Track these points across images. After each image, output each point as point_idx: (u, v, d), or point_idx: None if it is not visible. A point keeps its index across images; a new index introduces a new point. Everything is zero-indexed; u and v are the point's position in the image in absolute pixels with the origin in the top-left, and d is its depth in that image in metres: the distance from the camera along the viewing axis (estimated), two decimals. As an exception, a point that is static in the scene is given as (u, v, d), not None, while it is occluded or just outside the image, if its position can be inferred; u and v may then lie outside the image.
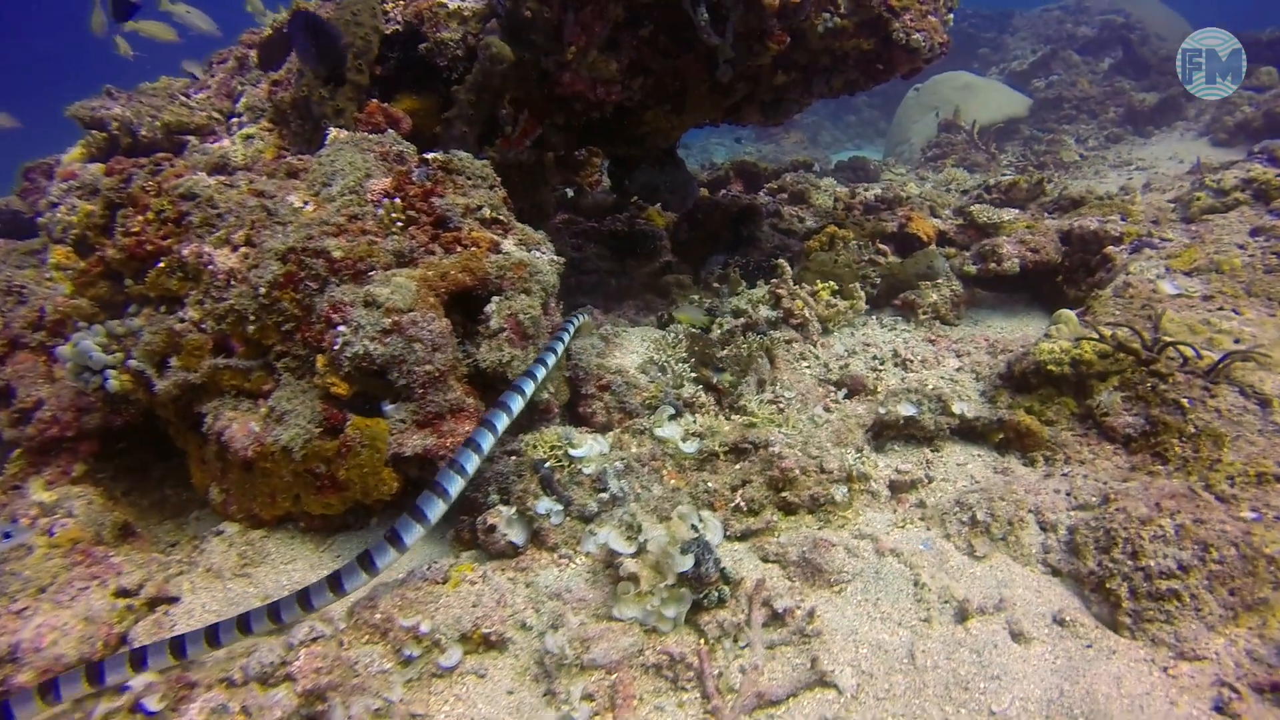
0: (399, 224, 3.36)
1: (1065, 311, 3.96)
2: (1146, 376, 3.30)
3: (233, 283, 3.17)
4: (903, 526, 2.96)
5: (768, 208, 6.79)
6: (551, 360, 3.25)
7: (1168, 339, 3.38)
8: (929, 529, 3.00)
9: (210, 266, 3.20)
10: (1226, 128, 9.77)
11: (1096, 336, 3.44)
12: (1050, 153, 10.17)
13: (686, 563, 2.46)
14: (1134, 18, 15.83)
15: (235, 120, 4.73)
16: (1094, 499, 2.97)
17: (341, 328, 3.00)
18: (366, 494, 3.11)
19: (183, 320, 3.20)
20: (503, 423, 2.94)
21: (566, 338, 3.50)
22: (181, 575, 3.12)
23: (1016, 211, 5.48)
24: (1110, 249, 4.74)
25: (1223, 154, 8.92)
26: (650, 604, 2.50)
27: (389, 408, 3.06)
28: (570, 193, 7.87)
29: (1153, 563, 2.50)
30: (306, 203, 3.41)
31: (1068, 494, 3.03)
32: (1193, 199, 5.09)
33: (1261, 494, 2.81)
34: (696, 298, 4.92)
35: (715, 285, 5.20)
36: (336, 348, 2.99)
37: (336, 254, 3.15)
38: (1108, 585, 2.55)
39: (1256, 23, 14.05)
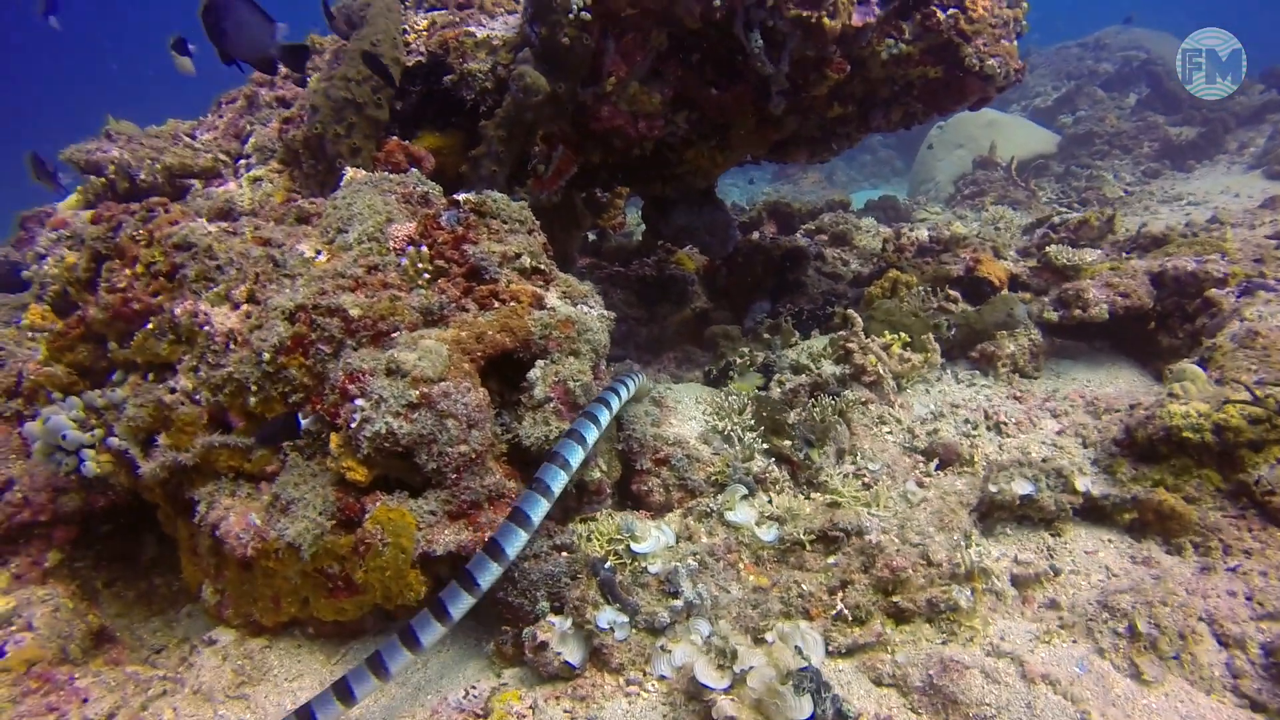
0: (426, 276, 2.89)
1: (1190, 366, 3.44)
2: (1315, 447, 2.76)
3: (232, 346, 2.70)
4: (1047, 641, 2.40)
5: (810, 250, 6.34)
6: (604, 421, 2.73)
7: (1334, 401, 2.85)
8: (1076, 641, 2.44)
9: (206, 328, 2.72)
10: (1280, 159, 9.35)
11: (1247, 398, 2.92)
12: (1091, 189, 9.74)
13: (804, 708, 1.91)
14: (1154, 54, 15.58)
15: (243, 162, 4.32)
16: (1282, 605, 2.41)
17: (359, 401, 2.50)
18: (389, 599, 2.58)
19: (173, 391, 2.72)
20: (542, 508, 2.43)
21: (617, 401, 2.95)
22: (164, 698, 2.58)
23: (1099, 252, 5.00)
24: (1213, 291, 4.23)
25: None
26: (752, 757, 1.95)
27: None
28: (593, 236, 7.47)
29: (1399, 701, 1.94)
30: (319, 252, 2.96)
31: (1248, 598, 2.47)
32: (1297, 235, 4.60)
33: None
34: (746, 350, 4.42)
35: (766, 336, 4.71)
36: (354, 425, 2.49)
37: (354, 312, 2.68)
38: (1340, 730, 1.98)
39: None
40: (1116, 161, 11.73)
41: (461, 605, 2.29)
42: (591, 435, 2.63)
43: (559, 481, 2.48)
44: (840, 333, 3.98)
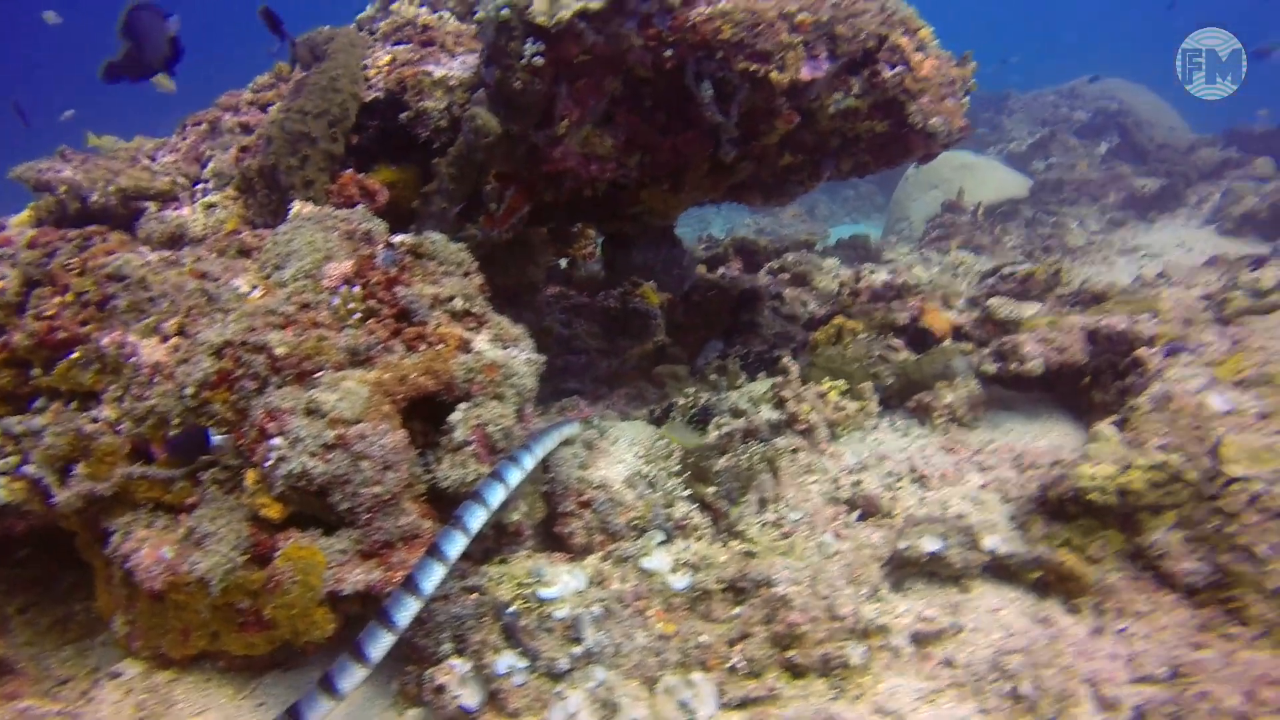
0: (357, 316, 2.95)
1: (1105, 428, 3.55)
2: (1210, 514, 2.87)
3: (158, 379, 2.74)
4: (932, 701, 2.47)
5: (769, 290, 6.45)
6: (529, 464, 2.80)
7: (1231, 470, 2.95)
8: (963, 701, 2.50)
9: (133, 359, 2.77)
10: (1233, 218, 9.61)
11: (1147, 463, 3.02)
12: (1055, 236, 9.96)
13: (674, 766, 1.96)
14: (1126, 104, 15.99)
15: (201, 187, 4.37)
16: (1162, 670, 2.50)
17: (276, 440, 2.55)
18: (297, 635, 2.62)
19: (96, 420, 2.75)
20: (458, 546, 2.47)
21: (542, 448, 2.99)
22: (61, 734, 2.58)
23: (1038, 306, 5.13)
24: (1142, 351, 4.36)
25: (1231, 244, 8.71)
26: (628, 810, 2.00)
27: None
28: (564, 264, 7.55)
29: (1252, 775, 2.02)
30: (255, 287, 3.01)
31: (1129, 660, 2.55)
32: (1226, 298, 4.76)
33: (1366, 675, 2.34)
34: (691, 391, 4.50)
35: (712, 377, 4.78)
36: (270, 463, 2.54)
37: (280, 350, 2.73)
38: (1196, 800, 2.06)
39: (1247, 116, 14.21)
40: (1084, 209, 11.99)
41: (381, 644, 2.31)
42: (514, 476, 2.69)
43: (477, 519, 2.53)
44: (777, 379, 4.06)
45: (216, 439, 2.60)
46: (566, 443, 3.31)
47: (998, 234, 9.85)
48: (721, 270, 7.46)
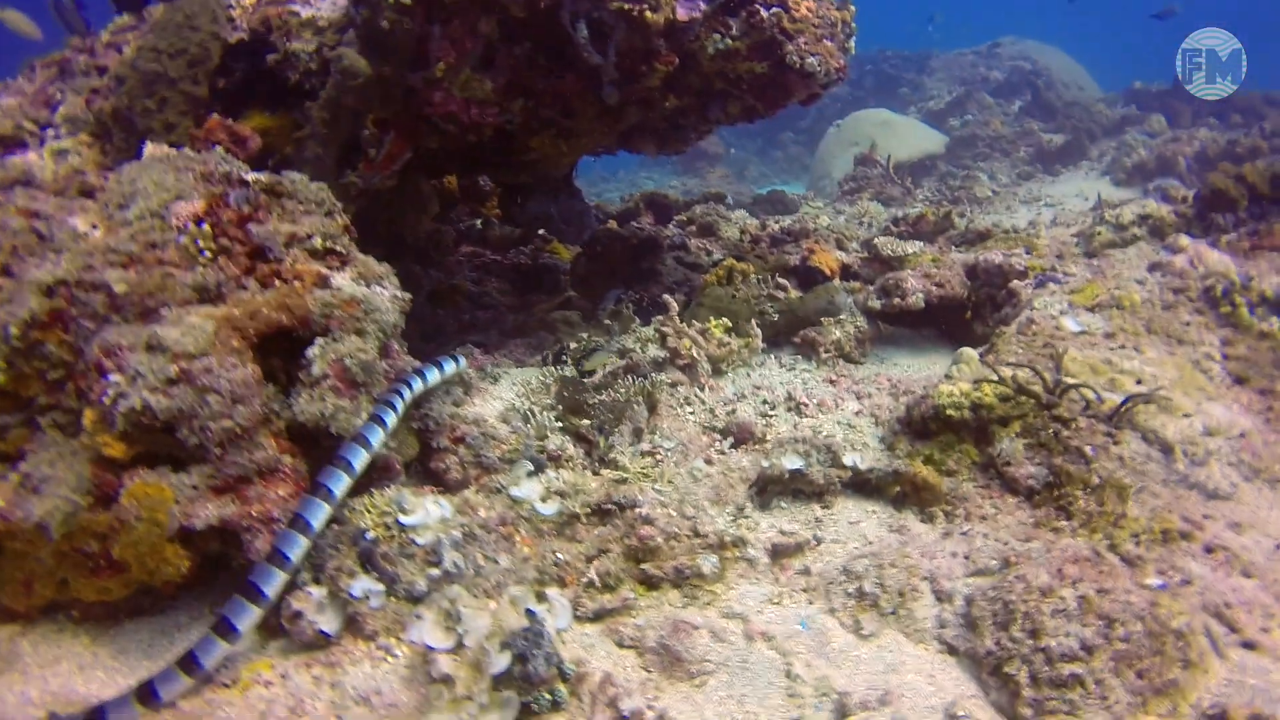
0: (206, 255, 2.87)
1: (966, 350, 3.71)
2: (1049, 422, 3.04)
3: (-18, 321, 2.62)
4: (778, 602, 2.58)
5: (674, 240, 6.50)
6: (399, 405, 2.84)
7: (1070, 380, 3.13)
8: (811, 603, 2.62)
9: (-46, 303, 2.64)
10: (1125, 168, 10.07)
11: (996, 378, 3.17)
12: (965, 188, 10.27)
13: (503, 661, 2.02)
14: (1039, 64, 16.48)
15: (50, 130, 4.15)
16: (994, 563, 2.65)
17: (113, 376, 2.48)
18: (151, 575, 2.57)
19: (-86, 369, 2.62)
20: (343, 483, 2.57)
21: (418, 383, 3.04)
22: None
23: (921, 244, 5.30)
24: (1015, 283, 4.56)
25: (1123, 193, 9.12)
26: (467, 711, 2.05)
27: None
28: (479, 224, 7.47)
29: (1054, 642, 2.18)
30: (95, 227, 2.90)
31: (966, 557, 2.71)
32: (1094, 233, 4.99)
33: (1167, 553, 2.54)
34: (585, 335, 4.52)
35: (607, 322, 4.82)
36: (106, 400, 2.47)
37: (119, 288, 2.64)
38: (1006, 669, 2.21)
39: (1147, 76, 14.85)
40: (996, 163, 12.37)
41: (274, 582, 2.38)
42: (391, 418, 2.76)
43: (360, 458, 2.63)
44: (658, 317, 4.12)
45: None
46: (449, 381, 3.33)
47: (909, 186, 10.08)
48: (633, 223, 7.48)
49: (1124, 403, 2.97)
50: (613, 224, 7.25)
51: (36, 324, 2.55)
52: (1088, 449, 2.87)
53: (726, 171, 16.55)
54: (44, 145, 3.73)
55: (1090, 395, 3.03)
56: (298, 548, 2.43)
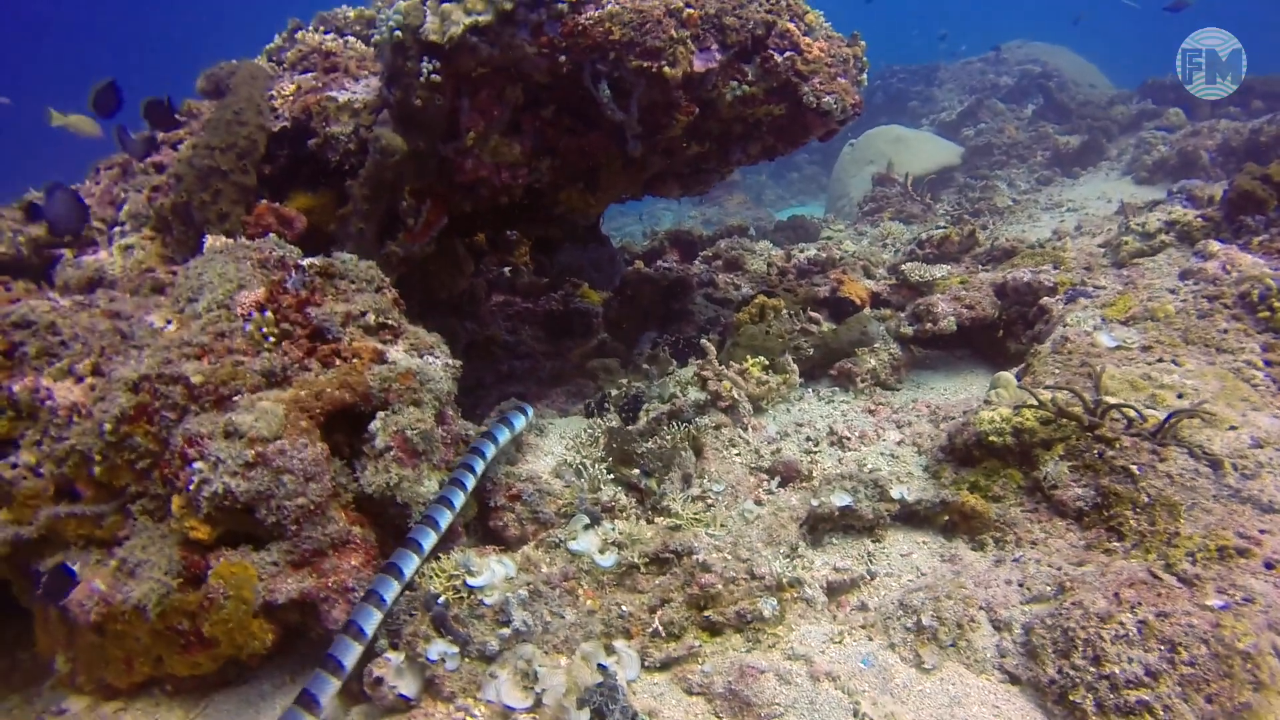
0: (271, 340, 3.05)
1: (1003, 375, 3.76)
2: (1092, 442, 3.07)
3: (75, 419, 2.82)
4: (840, 642, 2.64)
5: (701, 277, 6.62)
6: (478, 470, 3.06)
7: (1110, 399, 3.17)
8: (871, 639, 2.68)
9: (49, 402, 2.84)
10: (1146, 166, 10.00)
11: (1036, 403, 3.22)
12: (984, 199, 10.27)
13: (582, 718, 2.10)
14: (1050, 66, 16.47)
15: (118, 229, 4.42)
16: (1049, 589, 2.69)
17: (197, 464, 2.65)
18: (238, 649, 2.71)
19: (14, 466, 2.82)
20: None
21: (492, 447, 3.23)
22: (10, 775, 2.66)
23: (949, 267, 5.36)
24: (1046, 300, 4.60)
25: (1146, 191, 9.07)
26: (552, 770, 2.14)
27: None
28: (507, 272, 7.67)
29: (1117, 669, 2.21)
30: (169, 322, 3.10)
31: (1020, 584, 2.74)
32: (1121, 243, 5.01)
33: (1225, 571, 2.55)
34: (624, 382, 4.64)
35: (645, 367, 4.93)
36: (192, 487, 2.64)
37: (196, 379, 2.82)
38: (1071, 697, 2.24)
39: (1161, 70, 14.73)
40: (1013, 170, 12.36)
41: (352, 655, 2.51)
42: (458, 499, 2.94)
43: (429, 540, 2.79)
44: (699, 361, 4.22)
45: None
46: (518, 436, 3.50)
47: (928, 202, 10.12)
48: (659, 263, 7.63)
49: (1167, 419, 3.00)
50: (639, 264, 7.41)
51: (125, 418, 2.73)
52: (1134, 468, 2.90)
53: (744, 197, 16.71)
54: (112, 243, 3.98)
55: (1132, 414, 3.07)
56: (372, 620, 2.57)
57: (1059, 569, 2.76)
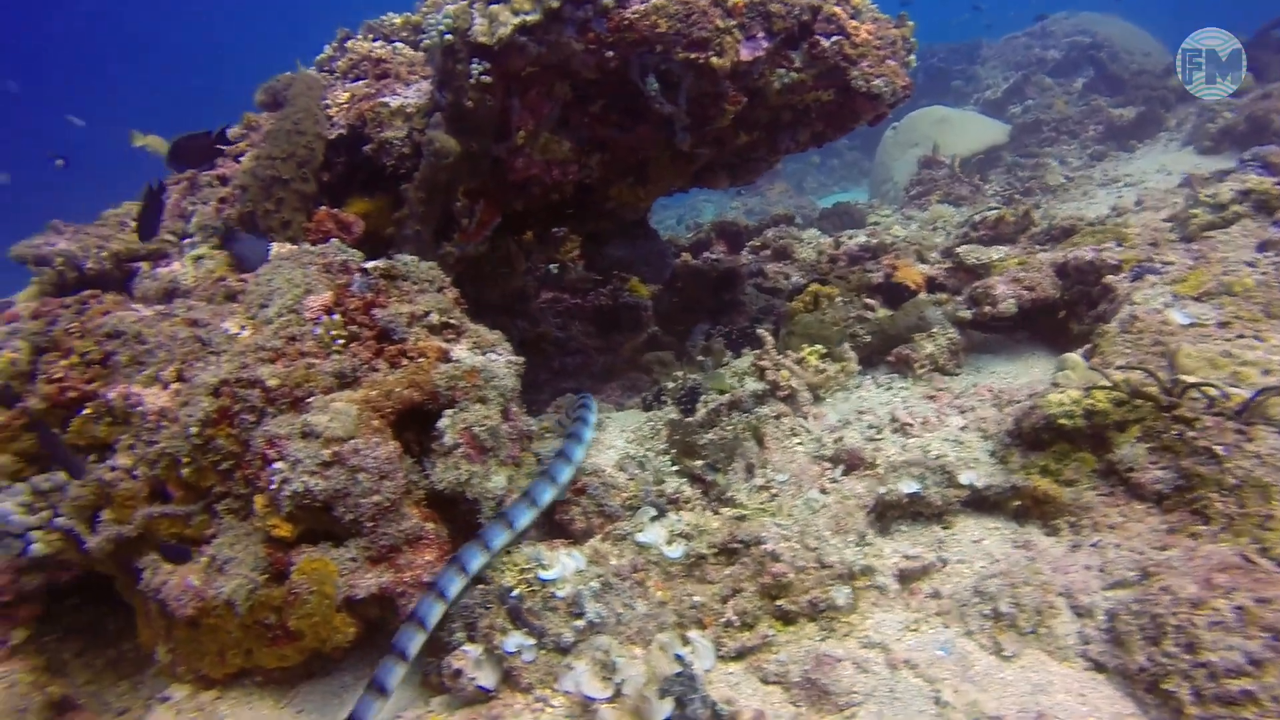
0: (340, 342, 3.13)
1: (1071, 356, 3.67)
2: (1171, 423, 2.98)
3: (163, 423, 2.94)
4: (916, 629, 2.62)
5: (750, 268, 6.59)
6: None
7: (1188, 378, 3.07)
8: (947, 627, 2.65)
9: (139, 408, 2.97)
10: (1210, 135, 9.59)
11: (1109, 383, 3.14)
12: (1036, 178, 9.99)
13: (666, 709, 2.13)
14: (1100, 36, 15.91)
15: (188, 241, 4.58)
16: (1132, 574, 2.62)
17: (278, 464, 2.74)
18: (322, 643, 2.80)
19: (113, 469, 2.96)
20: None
21: (580, 449, 3.32)
22: (121, 756, 2.79)
23: (1006, 249, 5.24)
24: (1110, 278, 4.46)
25: (1210, 162, 8.71)
26: (634, 759, 2.16)
27: (337, 546, 2.78)
28: (555, 269, 7.73)
29: (1215, 657, 2.15)
30: (243, 328, 3.21)
31: (1100, 569, 2.68)
32: (1189, 216, 4.83)
33: (1324, 553, 2.46)
34: (680, 374, 4.65)
35: (700, 359, 4.93)
36: (274, 486, 2.73)
37: (272, 382, 2.92)
38: (1164, 686, 2.19)
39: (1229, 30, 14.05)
40: (1064, 147, 12.00)
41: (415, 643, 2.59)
42: (548, 494, 3.04)
43: (500, 538, 2.84)
44: (755, 351, 4.21)
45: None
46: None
47: (977, 183, 9.90)
48: (706, 254, 7.61)
49: (1254, 396, 2.89)
50: (686, 256, 7.40)
51: (209, 422, 2.84)
52: (1218, 448, 2.81)
53: (786, 186, 16.54)
54: (184, 254, 4.13)
55: (1213, 392, 2.97)
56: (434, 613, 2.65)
57: (1141, 554, 2.69)
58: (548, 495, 3.01)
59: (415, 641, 2.57)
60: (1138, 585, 2.55)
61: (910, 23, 4.90)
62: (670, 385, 4.56)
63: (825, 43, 4.48)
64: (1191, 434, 2.90)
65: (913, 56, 5.03)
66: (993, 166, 12.01)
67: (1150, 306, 3.84)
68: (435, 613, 2.63)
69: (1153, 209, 5.96)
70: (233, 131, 4.91)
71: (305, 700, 2.98)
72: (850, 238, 6.70)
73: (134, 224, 4.37)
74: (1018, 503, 3.19)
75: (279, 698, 2.98)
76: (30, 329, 3.15)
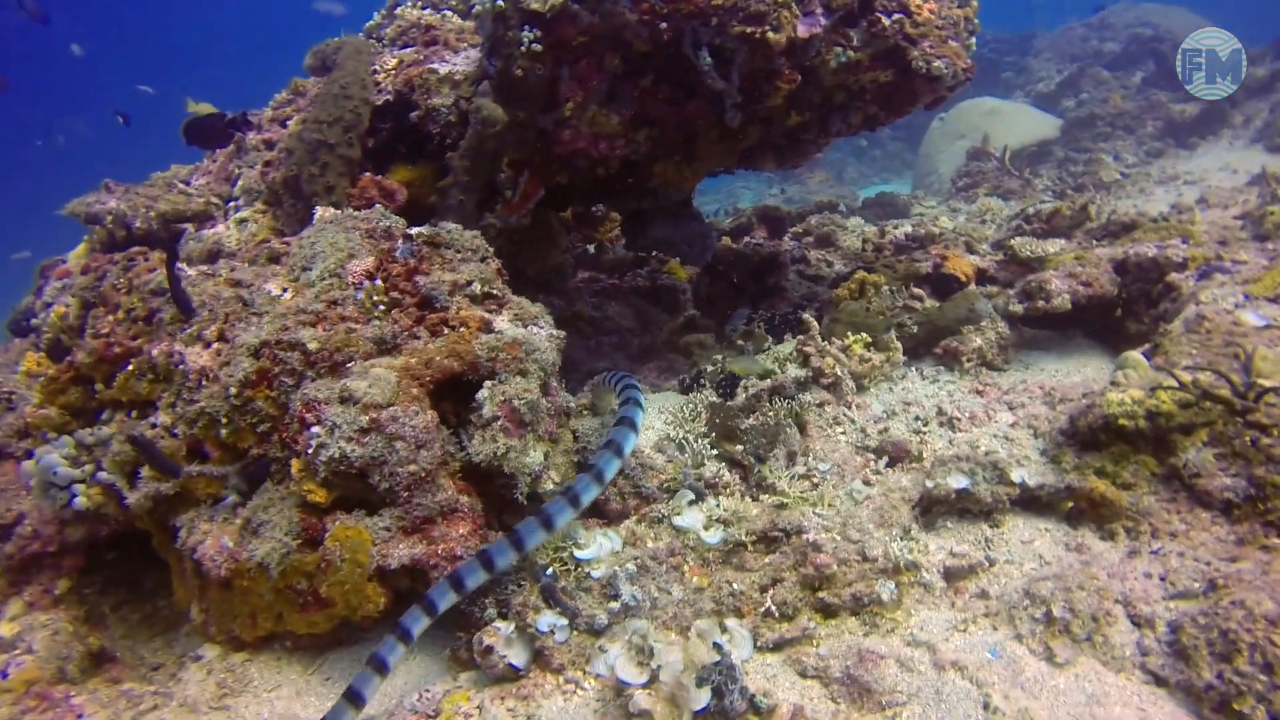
0: (381, 308, 3.09)
1: (1133, 354, 3.50)
2: (1243, 429, 2.83)
3: (204, 383, 2.92)
4: (964, 630, 2.51)
5: (793, 254, 6.45)
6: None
7: (1264, 383, 2.90)
8: (996, 629, 2.54)
9: (181, 366, 2.96)
10: (1281, 132, 9.20)
11: (1175, 384, 2.99)
12: (1089, 174, 9.66)
13: (703, 698, 2.06)
14: (1162, 29, 15.34)
15: (233, 204, 4.59)
16: (1197, 585, 2.49)
17: (315, 429, 2.71)
18: (352, 611, 2.78)
19: (154, 426, 2.95)
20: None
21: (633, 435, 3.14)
22: (154, 711, 2.80)
23: (1062, 242, 5.04)
24: (1174, 276, 4.27)
25: (1280, 161, 8.35)
26: (669, 746, 2.10)
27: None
28: (591, 249, 7.66)
29: (1290, 676, 2.02)
30: (285, 290, 3.18)
31: (1162, 578, 2.55)
32: (1265, 214, 4.60)
33: None
34: (720, 358, 4.56)
35: (740, 343, 4.84)
36: (311, 451, 2.70)
37: (312, 346, 2.89)
38: (1236, 707, 2.07)
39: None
40: (1120, 142, 11.60)
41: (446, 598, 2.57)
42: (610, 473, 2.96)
43: (565, 516, 2.77)
44: (800, 337, 4.10)
45: None
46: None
47: (1027, 177, 9.60)
48: (746, 239, 7.47)
49: (1332, 405, 2.73)
50: (726, 240, 7.27)
51: (248, 383, 2.82)
52: (1296, 458, 2.66)
53: (826, 175, 16.24)
54: (229, 217, 4.12)
55: (1291, 398, 2.81)
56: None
57: (1207, 564, 2.55)
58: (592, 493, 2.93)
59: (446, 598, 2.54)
60: (1205, 597, 2.42)
61: (974, 3, 4.72)
62: (709, 369, 4.48)
63: (886, 20, 4.32)
64: (1267, 441, 2.75)
65: (974, 40, 4.85)
66: (1043, 161, 11.65)
67: (1220, 306, 3.65)
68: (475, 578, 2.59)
69: (1220, 206, 5.71)
70: (279, 96, 4.90)
71: (333, 667, 2.97)
72: (896, 227, 6.52)
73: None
74: (1071, 504, 3.06)
75: (307, 664, 2.97)
76: (80, 283, 3.17)
